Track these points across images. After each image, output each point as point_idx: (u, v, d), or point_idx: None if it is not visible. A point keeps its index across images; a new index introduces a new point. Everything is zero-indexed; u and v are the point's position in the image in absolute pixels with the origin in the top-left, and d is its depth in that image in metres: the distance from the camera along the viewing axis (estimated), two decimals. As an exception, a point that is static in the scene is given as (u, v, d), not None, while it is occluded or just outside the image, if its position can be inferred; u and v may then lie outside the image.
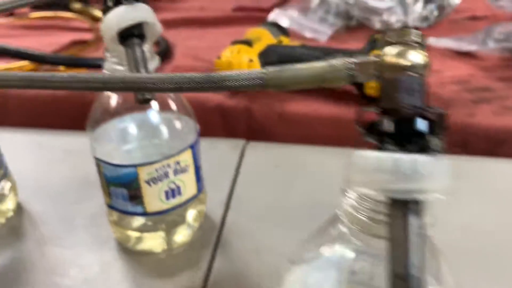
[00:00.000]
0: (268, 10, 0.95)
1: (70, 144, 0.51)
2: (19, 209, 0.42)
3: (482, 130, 0.57)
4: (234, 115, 0.60)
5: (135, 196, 0.33)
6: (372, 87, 0.57)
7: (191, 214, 0.37)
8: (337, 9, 0.91)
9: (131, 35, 0.30)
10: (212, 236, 0.38)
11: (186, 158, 0.34)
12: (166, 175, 0.33)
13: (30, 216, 0.41)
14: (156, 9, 0.96)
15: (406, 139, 0.17)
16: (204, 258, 0.36)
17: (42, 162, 0.48)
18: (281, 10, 0.90)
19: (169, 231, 0.37)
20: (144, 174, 0.32)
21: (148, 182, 0.33)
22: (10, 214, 0.41)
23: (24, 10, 1.00)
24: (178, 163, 0.33)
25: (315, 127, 0.59)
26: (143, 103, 0.28)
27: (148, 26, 0.31)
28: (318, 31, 0.85)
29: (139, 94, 0.28)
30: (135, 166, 0.32)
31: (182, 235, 0.37)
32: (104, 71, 0.32)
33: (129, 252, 0.37)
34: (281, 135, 0.59)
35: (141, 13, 0.30)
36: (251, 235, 0.38)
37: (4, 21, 0.96)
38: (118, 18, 0.30)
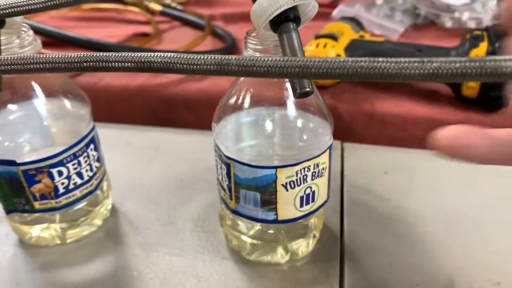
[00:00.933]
0: (329, 5, 0.91)
1: (159, 142, 0.47)
2: (113, 210, 0.39)
3: None
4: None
5: (269, 202, 0.30)
6: (471, 88, 0.53)
7: (313, 223, 0.34)
8: (403, 5, 0.87)
9: (286, 19, 0.26)
10: (335, 247, 0.35)
11: (324, 160, 0.30)
12: (304, 179, 0.29)
13: (127, 219, 0.38)
14: (211, 4, 0.93)
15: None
16: (332, 273, 0.32)
17: (132, 161, 0.44)
18: (346, 6, 0.86)
19: (290, 240, 0.33)
20: (283, 177, 0.29)
21: (285, 186, 0.29)
22: (107, 215, 0.38)
23: None
24: (317, 165, 0.29)
25: (408, 128, 0.55)
26: (302, 97, 0.24)
27: (302, 6, 0.27)
28: (387, 28, 0.81)
29: (297, 88, 0.24)
30: (274, 167, 0.28)
31: (303, 246, 0.34)
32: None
33: (247, 263, 0.33)
34: (370, 136, 0.55)
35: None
36: (378, 247, 0.34)
37: (56, 12, 0.93)
38: (272, 1, 0.26)
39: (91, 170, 0.34)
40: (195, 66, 0.19)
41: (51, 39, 0.68)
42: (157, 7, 0.90)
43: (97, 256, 0.34)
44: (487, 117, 0.52)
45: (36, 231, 0.35)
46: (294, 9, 0.26)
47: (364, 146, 0.48)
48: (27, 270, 0.34)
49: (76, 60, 0.20)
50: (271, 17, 0.26)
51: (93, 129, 0.34)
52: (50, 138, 0.34)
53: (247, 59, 0.19)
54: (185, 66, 0.19)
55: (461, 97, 0.54)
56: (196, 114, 0.60)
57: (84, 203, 0.35)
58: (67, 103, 0.34)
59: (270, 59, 0.19)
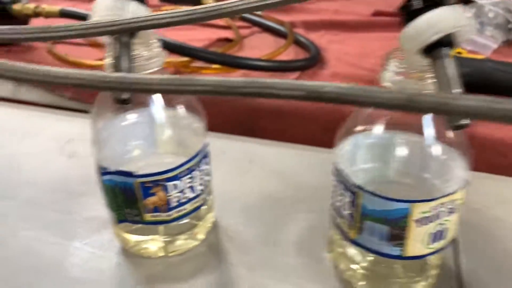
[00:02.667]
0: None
1: (253, 153, 0.46)
2: (213, 223, 0.38)
3: None
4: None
5: (398, 236, 0.28)
6: None
7: (432, 259, 0.31)
8: (495, 20, 0.82)
9: (439, 44, 0.24)
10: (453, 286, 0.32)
11: (461, 196, 0.28)
12: (439, 215, 0.27)
13: (227, 234, 0.37)
14: (289, 11, 0.91)
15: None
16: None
17: (227, 172, 0.43)
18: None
19: (406, 276, 0.31)
20: (417, 212, 0.27)
21: (418, 222, 0.27)
22: (209, 229, 0.37)
23: (155, 3, 0.98)
24: (453, 202, 0.27)
25: (509, 154, 0.52)
26: (458, 129, 0.22)
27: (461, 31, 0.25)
28: (479, 44, 0.77)
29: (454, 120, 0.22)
30: (409, 202, 0.26)
31: (422, 285, 0.31)
32: (386, 83, 0.27)
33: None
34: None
35: (457, 18, 0.24)
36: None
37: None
38: (431, 25, 0.24)
39: (202, 184, 0.33)
40: (375, 99, 0.18)
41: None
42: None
43: (201, 272, 0.34)
44: None
45: (141, 242, 0.34)
46: (451, 34, 0.24)
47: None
48: (132, 282, 0.33)
49: (240, 85, 0.19)
50: (428, 42, 0.24)
51: (207, 143, 0.33)
52: (165, 150, 0.33)
53: (436, 97, 0.17)
54: (363, 98, 0.18)
55: None
56: (282, 124, 0.59)
57: (191, 217, 0.34)
58: (184, 114, 0.33)
59: (431, 99, 0.17)
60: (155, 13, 0.27)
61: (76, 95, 0.63)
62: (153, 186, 0.30)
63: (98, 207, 0.36)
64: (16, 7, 0.70)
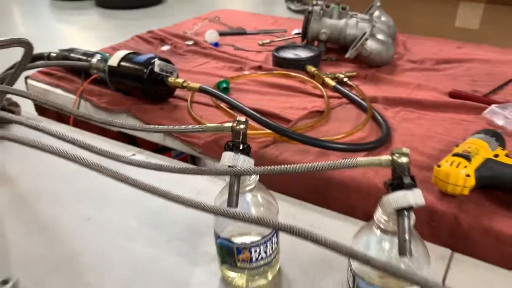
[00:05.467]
0: (485, 101, 1.00)
1: (321, 222, 0.67)
2: (279, 271, 0.60)
3: None
4: (441, 220, 0.70)
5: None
6: None
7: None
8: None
9: (401, 210, 0.43)
10: None
11: None
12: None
13: (288, 278, 0.59)
14: (377, 81, 1.10)
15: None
16: None
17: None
18: (498, 107, 0.95)
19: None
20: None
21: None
22: (276, 272, 0.59)
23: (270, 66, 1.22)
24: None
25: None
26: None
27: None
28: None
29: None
30: None
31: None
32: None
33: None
34: (485, 251, 0.66)
35: (416, 199, 0.43)
36: None
37: (250, 73, 1.20)
38: (398, 200, 0.43)
39: (272, 249, 0.55)
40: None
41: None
42: (331, 82, 1.10)
43: (266, 301, 0.56)
44: None
45: (233, 277, 0.58)
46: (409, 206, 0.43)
47: (474, 262, 0.61)
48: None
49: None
50: (396, 208, 0.43)
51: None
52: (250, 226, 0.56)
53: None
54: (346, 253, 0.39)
55: None
56: (344, 199, 0.78)
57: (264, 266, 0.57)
58: (264, 199, 0.55)
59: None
60: (257, 167, 0.49)
61: (205, 150, 0.89)
62: (243, 249, 0.53)
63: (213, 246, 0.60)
64: (171, 79, 0.99)
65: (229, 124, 0.52)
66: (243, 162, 0.50)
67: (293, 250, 0.61)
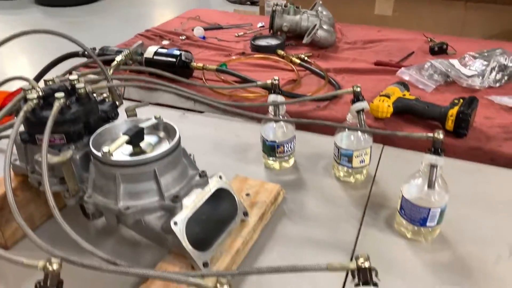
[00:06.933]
0: (397, 66, 1.56)
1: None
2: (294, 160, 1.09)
3: (504, 155, 1.14)
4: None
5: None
6: (449, 126, 1.17)
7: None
8: (440, 70, 1.49)
9: (359, 112, 0.94)
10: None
11: (369, 150, 0.98)
12: (362, 155, 0.97)
13: (300, 165, 1.08)
14: (327, 58, 1.70)
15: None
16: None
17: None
18: (405, 69, 1.50)
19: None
20: (355, 154, 0.97)
21: (356, 157, 0.97)
22: (294, 161, 1.08)
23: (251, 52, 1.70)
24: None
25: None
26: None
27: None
28: (427, 84, 1.44)
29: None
30: (353, 151, 0.97)
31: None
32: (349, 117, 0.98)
33: None
34: (400, 144, 1.20)
35: (365, 105, 0.94)
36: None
37: (237, 57, 1.68)
38: (357, 106, 0.94)
39: (293, 146, 1.05)
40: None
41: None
42: (297, 60, 1.61)
43: (288, 174, 1.06)
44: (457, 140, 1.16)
45: (272, 163, 1.06)
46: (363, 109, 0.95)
47: (394, 149, 1.14)
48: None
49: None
50: (356, 110, 0.94)
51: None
52: (283, 132, 1.06)
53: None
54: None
55: (445, 129, 1.18)
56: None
57: (289, 156, 1.06)
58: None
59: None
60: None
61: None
62: (280, 145, 1.02)
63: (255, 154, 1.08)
64: (193, 64, 1.45)
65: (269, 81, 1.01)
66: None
67: (299, 150, 1.11)
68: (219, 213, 0.80)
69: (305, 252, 0.81)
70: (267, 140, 1.03)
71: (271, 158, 1.05)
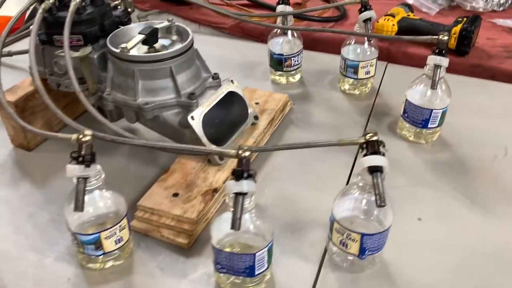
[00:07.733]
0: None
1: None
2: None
3: (505, 71, 1.16)
4: (381, 51, 1.25)
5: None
6: (451, 44, 1.19)
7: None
8: (441, -7, 1.48)
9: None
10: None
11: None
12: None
13: (307, 80, 1.11)
14: None
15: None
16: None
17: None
18: (410, -7, 1.50)
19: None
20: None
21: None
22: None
23: None
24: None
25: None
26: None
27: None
28: (430, 8, 1.45)
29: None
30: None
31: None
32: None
33: None
34: (402, 63, 1.22)
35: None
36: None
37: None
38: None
39: (300, 59, 1.07)
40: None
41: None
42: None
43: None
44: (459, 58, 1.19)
45: (279, 78, 1.09)
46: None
47: (398, 66, 1.17)
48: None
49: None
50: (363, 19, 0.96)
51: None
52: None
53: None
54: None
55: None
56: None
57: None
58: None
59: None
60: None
61: (231, 31, 1.37)
62: (288, 59, 1.05)
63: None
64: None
65: None
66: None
67: (305, 67, 1.13)
68: (232, 117, 0.84)
69: (311, 156, 0.85)
70: (274, 54, 1.05)
71: (278, 73, 1.08)
